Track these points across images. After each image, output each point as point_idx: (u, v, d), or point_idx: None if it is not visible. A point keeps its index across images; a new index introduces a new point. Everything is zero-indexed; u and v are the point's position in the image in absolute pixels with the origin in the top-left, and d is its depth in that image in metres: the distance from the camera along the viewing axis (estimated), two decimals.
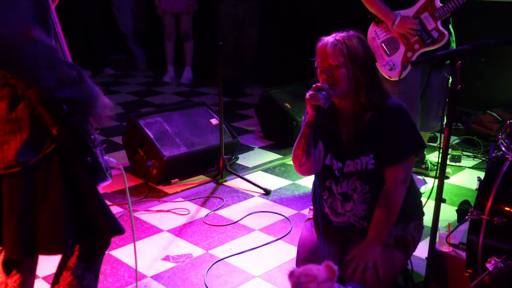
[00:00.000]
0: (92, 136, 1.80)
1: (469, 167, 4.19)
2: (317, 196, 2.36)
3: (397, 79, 3.49)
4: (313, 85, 2.18)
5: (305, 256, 2.38)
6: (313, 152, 2.24)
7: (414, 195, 2.44)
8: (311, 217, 2.55)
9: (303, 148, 2.25)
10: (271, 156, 4.49)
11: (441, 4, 3.48)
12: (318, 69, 2.25)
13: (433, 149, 4.51)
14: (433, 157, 4.22)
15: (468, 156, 4.37)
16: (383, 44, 3.58)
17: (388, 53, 3.56)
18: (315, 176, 2.30)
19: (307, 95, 2.16)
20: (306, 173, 2.39)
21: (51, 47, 1.59)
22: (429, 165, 4.02)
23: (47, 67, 1.56)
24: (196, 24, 6.88)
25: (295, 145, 2.31)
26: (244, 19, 6.41)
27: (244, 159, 4.41)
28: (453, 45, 3.61)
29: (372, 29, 3.63)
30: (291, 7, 6.54)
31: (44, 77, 1.56)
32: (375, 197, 2.29)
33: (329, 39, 2.21)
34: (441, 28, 3.49)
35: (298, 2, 6.45)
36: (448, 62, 3.50)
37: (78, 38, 6.74)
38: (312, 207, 2.60)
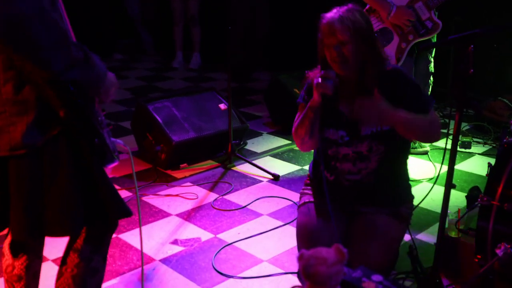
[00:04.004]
0: (99, 118, 1.79)
1: (479, 154, 4.16)
2: (323, 173, 2.33)
3: None
4: (322, 73, 2.23)
5: (307, 243, 2.35)
6: (316, 132, 2.30)
7: (405, 179, 2.48)
8: (306, 201, 2.53)
9: (306, 129, 2.32)
10: (279, 141, 4.48)
11: None
12: (324, 45, 2.27)
13: (442, 135, 4.48)
14: (442, 144, 4.20)
15: (478, 143, 4.34)
16: (376, 35, 3.51)
17: (382, 44, 3.48)
18: (317, 154, 2.39)
19: (315, 82, 2.22)
20: (308, 149, 2.46)
21: (62, 29, 1.57)
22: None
23: (58, 51, 1.54)
24: (206, 8, 6.85)
25: (296, 123, 2.36)
26: (255, 5, 6.38)
27: (253, 145, 4.40)
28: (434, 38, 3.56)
29: None
30: None
31: (54, 61, 1.54)
32: (388, 155, 2.32)
33: (333, 15, 2.23)
34: (435, 18, 3.44)
35: None
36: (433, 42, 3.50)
37: (86, 23, 6.72)
38: (305, 191, 2.59)
